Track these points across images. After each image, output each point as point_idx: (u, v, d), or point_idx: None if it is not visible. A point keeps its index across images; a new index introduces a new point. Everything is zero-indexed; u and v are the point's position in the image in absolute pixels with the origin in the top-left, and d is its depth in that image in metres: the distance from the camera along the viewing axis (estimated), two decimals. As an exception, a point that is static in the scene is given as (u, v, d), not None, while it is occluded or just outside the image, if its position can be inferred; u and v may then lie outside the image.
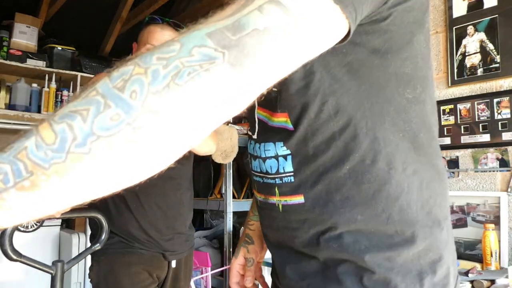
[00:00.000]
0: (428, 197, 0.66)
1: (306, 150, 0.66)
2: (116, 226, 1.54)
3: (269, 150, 0.71)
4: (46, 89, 3.42)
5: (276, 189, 0.70)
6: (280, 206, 0.71)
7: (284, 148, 0.68)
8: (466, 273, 1.69)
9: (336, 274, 0.66)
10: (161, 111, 0.38)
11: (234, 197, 2.64)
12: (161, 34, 1.55)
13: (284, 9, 0.42)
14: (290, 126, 0.66)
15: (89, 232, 1.71)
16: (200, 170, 3.16)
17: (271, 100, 0.67)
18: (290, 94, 0.64)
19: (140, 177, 0.41)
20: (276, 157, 0.70)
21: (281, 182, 0.70)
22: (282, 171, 0.69)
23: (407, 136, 0.65)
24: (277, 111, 0.67)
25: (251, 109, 0.74)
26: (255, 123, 0.73)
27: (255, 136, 0.73)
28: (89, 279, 1.60)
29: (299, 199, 0.68)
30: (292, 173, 0.68)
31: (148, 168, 0.41)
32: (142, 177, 0.41)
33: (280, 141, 0.68)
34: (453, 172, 2.13)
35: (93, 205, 1.61)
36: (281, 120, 0.68)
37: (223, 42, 0.40)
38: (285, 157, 0.69)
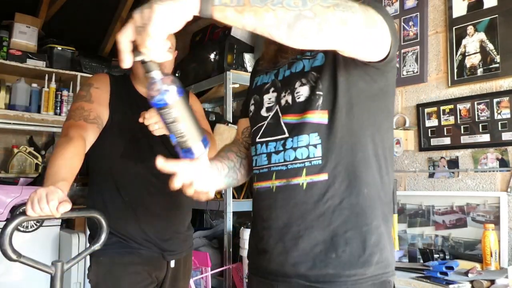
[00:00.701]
0: (392, 189, 1.03)
1: (334, 139, 0.95)
2: (115, 227, 1.52)
3: (302, 141, 0.96)
4: (46, 89, 3.42)
5: (304, 170, 0.95)
6: (305, 184, 0.95)
7: (318, 137, 0.95)
8: (466, 273, 1.69)
9: (345, 238, 0.93)
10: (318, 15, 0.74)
11: (234, 197, 2.63)
12: None
13: (380, 20, 0.85)
14: (325, 120, 0.95)
15: (88, 232, 1.71)
16: (200, 170, 3.14)
17: (308, 102, 0.96)
18: (334, 98, 0.95)
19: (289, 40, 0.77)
20: (307, 146, 0.96)
21: (310, 164, 0.95)
22: (312, 156, 0.95)
23: (387, 148, 1.01)
24: (316, 109, 0.95)
25: (277, 119, 1.01)
26: (283, 127, 1.00)
27: (286, 135, 0.99)
28: (88, 280, 1.59)
29: (324, 176, 0.95)
30: (320, 157, 0.95)
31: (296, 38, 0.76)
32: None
33: (315, 132, 0.95)
34: (453, 172, 2.13)
35: (92, 205, 1.61)
36: (318, 116, 0.95)
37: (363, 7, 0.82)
38: (315, 145, 0.95)
